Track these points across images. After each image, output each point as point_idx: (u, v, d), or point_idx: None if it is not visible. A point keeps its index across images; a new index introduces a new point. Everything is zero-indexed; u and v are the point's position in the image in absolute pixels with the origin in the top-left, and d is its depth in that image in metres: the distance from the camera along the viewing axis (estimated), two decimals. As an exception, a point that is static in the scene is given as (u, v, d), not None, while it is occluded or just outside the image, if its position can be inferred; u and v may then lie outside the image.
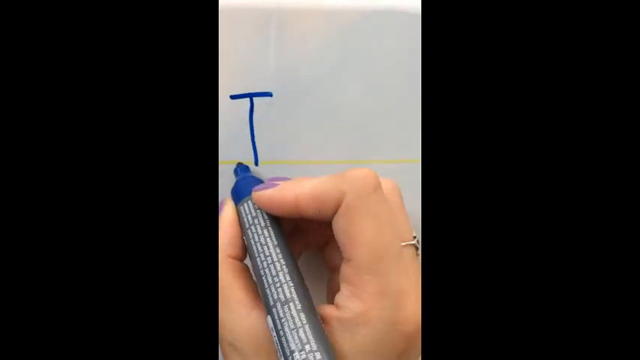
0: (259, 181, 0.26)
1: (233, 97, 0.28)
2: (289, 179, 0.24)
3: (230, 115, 0.28)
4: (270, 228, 0.24)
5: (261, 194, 0.24)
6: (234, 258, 0.24)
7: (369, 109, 0.28)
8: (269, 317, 0.21)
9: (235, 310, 0.22)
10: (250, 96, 0.28)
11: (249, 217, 0.24)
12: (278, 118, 0.28)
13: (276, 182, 0.24)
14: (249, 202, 0.24)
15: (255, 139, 0.29)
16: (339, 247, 0.23)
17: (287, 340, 0.20)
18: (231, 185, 0.29)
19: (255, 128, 0.28)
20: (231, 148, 0.28)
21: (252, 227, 0.24)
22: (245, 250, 0.24)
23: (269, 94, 0.28)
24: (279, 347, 0.20)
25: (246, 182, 0.26)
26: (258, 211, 0.24)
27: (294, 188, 0.23)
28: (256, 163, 0.29)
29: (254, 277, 0.23)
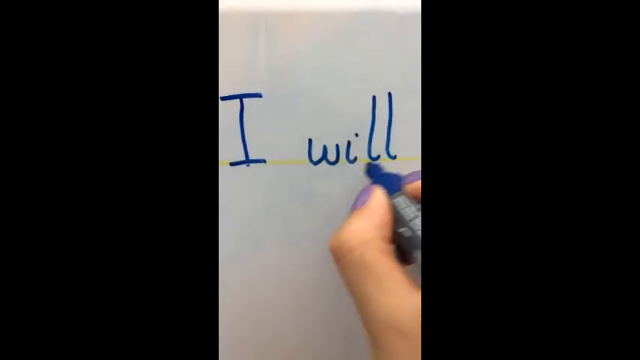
0: (401, 177, 0.26)
1: (223, 98, 0.28)
2: None
3: (220, 116, 0.28)
4: None
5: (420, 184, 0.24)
6: (385, 241, 0.24)
7: (358, 110, 0.29)
8: None
9: (397, 290, 0.21)
10: (240, 97, 0.28)
11: (412, 208, 0.24)
12: (268, 119, 0.28)
13: None
14: (405, 195, 0.25)
15: (246, 140, 0.29)
16: None
17: None
18: (226, 186, 0.29)
19: (245, 129, 0.29)
20: (221, 148, 0.28)
21: (418, 220, 0.23)
22: (393, 236, 0.24)
23: (259, 95, 0.28)
24: None
25: (392, 177, 0.26)
26: (419, 205, 0.24)
27: None
28: (247, 164, 0.29)
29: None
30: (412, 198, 0.25)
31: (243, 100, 0.28)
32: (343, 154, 0.29)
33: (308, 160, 0.29)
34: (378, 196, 0.25)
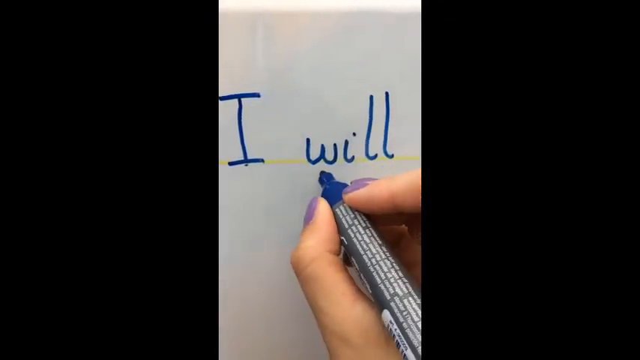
0: (346, 185, 0.27)
1: (222, 98, 0.28)
2: (374, 179, 0.25)
3: (219, 116, 0.28)
4: (370, 228, 0.25)
5: (355, 194, 0.25)
6: (332, 253, 0.25)
7: (356, 109, 0.29)
8: (386, 312, 0.22)
9: (341, 301, 0.23)
10: (238, 97, 0.28)
11: (347, 218, 0.26)
12: (266, 118, 0.28)
13: (366, 182, 0.25)
14: (345, 204, 0.26)
15: (244, 140, 0.29)
16: (415, 242, 0.25)
17: (413, 332, 0.21)
18: (225, 185, 0.29)
19: (243, 129, 0.29)
20: (220, 148, 0.29)
21: (353, 227, 0.25)
22: (339, 246, 0.26)
23: (257, 95, 0.28)
24: (404, 339, 0.21)
25: (337, 186, 0.27)
26: (355, 212, 0.26)
27: (387, 185, 0.24)
28: (246, 164, 0.29)
29: (360, 274, 0.24)
30: (349, 207, 0.26)
31: (242, 99, 0.28)
32: (341, 153, 0.30)
33: (306, 159, 0.29)
34: (323, 209, 0.26)
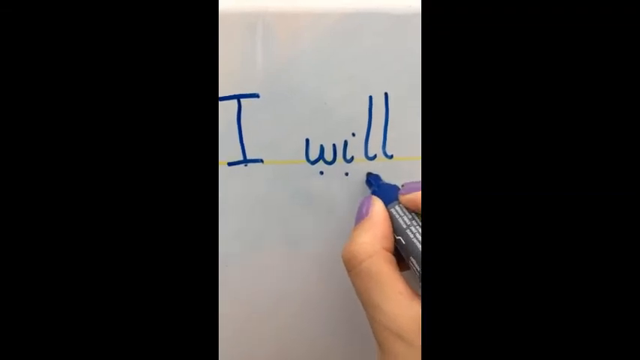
0: (397, 187, 0.27)
1: (221, 98, 0.28)
2: None
3: (218, 117, 0.28)
4: None
5: (415, 196, 0.26)
6: (388, 251, 0.25)
7: (355, 110, 0.29)
8: None
9: (397, 299, 0.23)
10: (238, 97, 0.28)
11: (404, 218, 0.26)
12: (265, 119, 0.28)
13: None
14: (401, 204, 0.26)
15: (243, 140, 0.29)
16: None
17: None
18: (224, 185, 0.29)
19: (242, 129, 0.29)
20: (219, 149, 0.29)
21: (412, 228, 0.25)
22: (394, 245, 0.26)
23: (256, 96, 0.28)
24: None
25: (388, 187, 0.28)
26: (413, 214, 0.26)
27: None
28: (245, 164, 0.29)
29: (419, 275, 0.24)
30: (406, 207, 0.26)
31: (241, 100, 0.28)
32: (340, 153, 0.30)
33: (305, 159, 0.29)
34: (379, 207, 0.27)
